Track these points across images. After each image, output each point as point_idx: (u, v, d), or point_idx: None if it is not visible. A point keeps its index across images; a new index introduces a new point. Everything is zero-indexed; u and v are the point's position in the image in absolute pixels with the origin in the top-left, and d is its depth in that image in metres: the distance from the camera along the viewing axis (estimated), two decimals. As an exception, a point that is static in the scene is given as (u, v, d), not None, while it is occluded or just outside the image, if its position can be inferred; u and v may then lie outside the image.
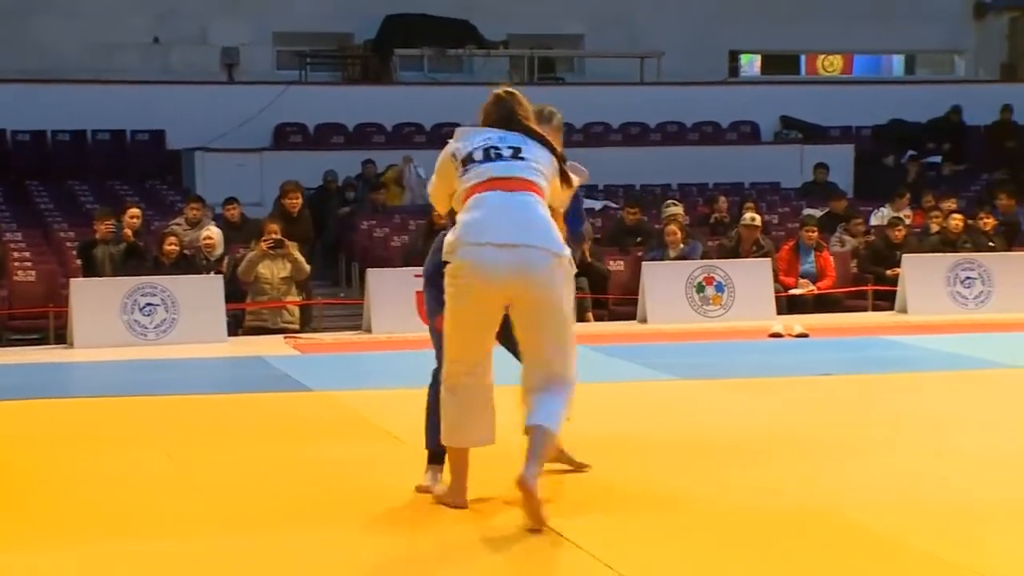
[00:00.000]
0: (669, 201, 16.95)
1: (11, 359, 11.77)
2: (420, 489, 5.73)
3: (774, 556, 4.90)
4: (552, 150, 5.60)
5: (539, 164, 5.47)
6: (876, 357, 11.19)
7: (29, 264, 14.86)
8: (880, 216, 17.69)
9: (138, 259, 13.92)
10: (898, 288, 14.70)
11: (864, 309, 15.19)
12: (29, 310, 13.86)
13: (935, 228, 16.20)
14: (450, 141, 5.59)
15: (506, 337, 5.57)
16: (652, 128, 23.68)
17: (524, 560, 4.86)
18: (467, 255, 5.27)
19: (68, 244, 15.68)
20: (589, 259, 14.83)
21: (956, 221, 15.76)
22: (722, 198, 18.00)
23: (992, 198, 18.00)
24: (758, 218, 15.63)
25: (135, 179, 20.72)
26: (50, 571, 4.81)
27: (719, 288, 14.23)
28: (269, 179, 18.89)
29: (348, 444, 6.10)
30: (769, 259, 14.79)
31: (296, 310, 13.73)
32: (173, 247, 13.87)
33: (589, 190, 20.85)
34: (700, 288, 14.21)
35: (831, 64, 26.90)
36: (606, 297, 14.93)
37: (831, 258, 15.41)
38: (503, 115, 5.53)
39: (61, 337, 13.13)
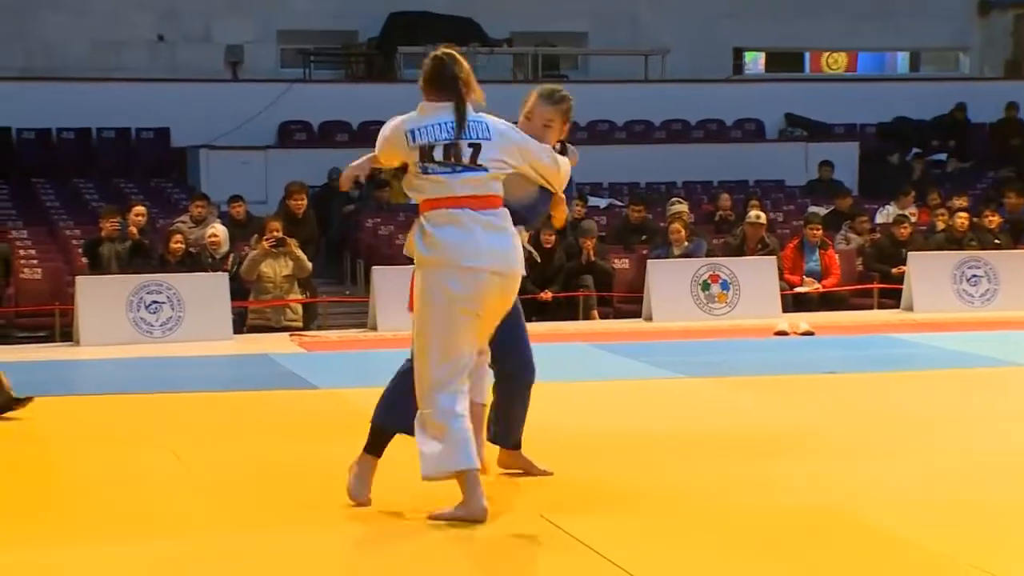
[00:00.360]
0: (674, 199, 16.95)
1: (17, 357, 11.72)
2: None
3: (782, 554, 4.89)
4: (513, 130, 5.60)
5: (498, 162, 5.45)
6: (882, 355, 11.18)
7: (35, 262, 14.85)
8: (885, 214, 17.70)
9: (144, 257, 13.95)
10: (904, 286, 14.70)
11: (870, 307, 15.18)
12: (35, 308, 13.87)
13: (941, 226, 16.19)
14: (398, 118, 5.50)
15: None
16: (657, 126, 23.66)
17: (533, 560, 4.87)
18: (470, 280, 5.29)
19: (74, 242, 15.68)
20: (593, 258, 14.87)
21: (962, 219, 15.76)
22: (725, 196, 18.01)
23: (1000, 196, 17.98)
24: (763, 216, 15.63)
25: (140, 177, 20.74)
26: (56, 570, 4.80)
27: (724, 286, 14.23)
28: (274, 177, 18.90)
29: (354, 442, 6.08)
30: (774, 257, 14.79)
31: (299, 308, 13.74)
32: (179, 245, 13.88)
33: (594, 188, 20.89)
34: (705, 286, 14.21)
35: (836, 62, 26.86)
36: (611, 295, 14.94)
37: (836, 256, 15.41)
38: (450, 83, 5.43)
39: (67, 335, 13.15)
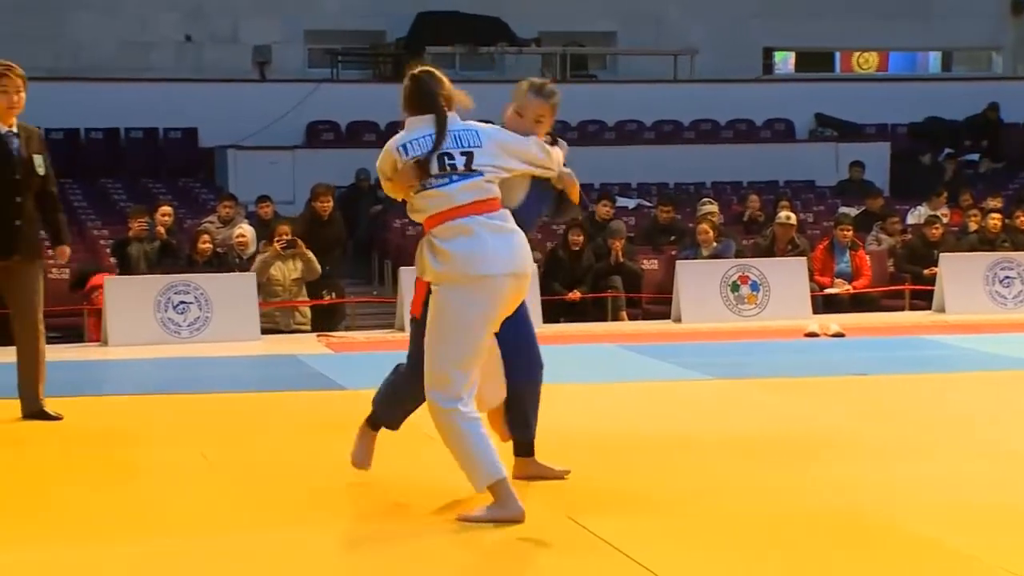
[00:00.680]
0: (704, 199, 16.93)
1: (46, 357, 11.83)
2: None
3: (811, 557, 4.88)
4: (500, 132, 5.65)
5: (493, 168, 5.49)
6: (913, 357, 11.14)
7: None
8: (917, 215, 17.65)
9: (172, 257, 14.00)
10: (936, 287, 14.61)
11: (901, 308, 15.11)
12: (63, 308, 13.81)
13: (973, 227, 16.10)
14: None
15: None
16: (686, 126, 23.67)
17: (560, 562, 4.86)
18: (487, 290, 5.34)
19: (102, 242, 15.77)
20: (621, 258, 14.84)
21: (994, 220, 15.68)
22: (754, 196, 17.96)
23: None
24: (793, 217, 15.58)
25: (168, 177, 20.90)
26: (84, 568, 4.82)
27: (754, 287, 14.17)
28: (301, 177, 18.94)
29: (381, 442, 6.08)
30: (804, 258, 14.74)
31: (308, 311, 13.73)
32: (206, 245, 13.92)
33: (623, 188, 20.87)
34: (735, 287, 14.15)
35: (867, 61, 26.79)
36: (640, 296, 14.91)
37: (867, 257, 15.36)
38: (431, 101, 5.49)
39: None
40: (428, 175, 5.39)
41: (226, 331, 12.68)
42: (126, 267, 13.88)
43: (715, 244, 14.75)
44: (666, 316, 14.25)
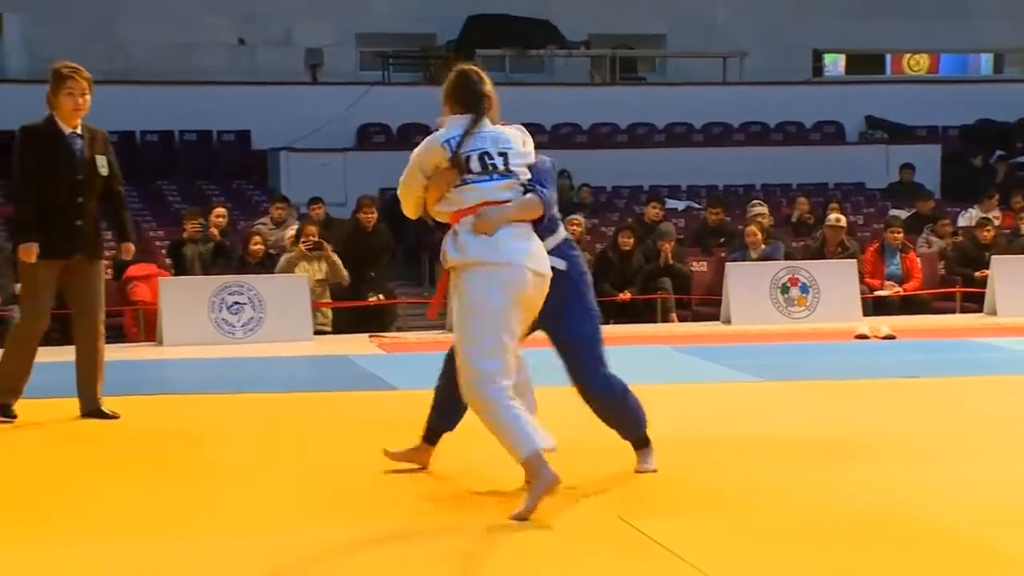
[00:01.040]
0: (754, 201, 16.92)
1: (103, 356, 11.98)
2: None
3: (862, 557, 4.87)
4: (521, 136, 5.73)
5: (521, 168, 5.60)
6: (964, 359, 11.09)
7: (120, 263, 14.98)
8: (968, 217, 17.59)
9: (225, 258, 14.12)
10: (987, 290, 14.57)
11: (952, 311, 15.10)
12: (119, 308, 13.90)
13: (1025, 229, 16.06)
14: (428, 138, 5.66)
15: None
16: (735, 128, 23.65)
17: (611, 563, 4.85)
18: (505, 273, 5.43)
19: (157, 243, 15.89)
20: (671, 260, 14.87)
21: (1046, 222, 15.63)
22: (802, 199, 17.94)
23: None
24: (843, 219, 15.57)
25: (222, 179, 21.03)
26: (144, 562, 4.88)
27: (804, 289, 14.16)
28: (353, 179, 19.08)
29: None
30: (854, 260, 14.72)
31: (329, 312, 13.81)
32: (258, 246, 14.04)
33: (672, 190, 20.89)
34: (784, 289, 14.15)
35: (917, 63, 26.63)
36: (689, 298, 14.96)
37: (917, 259, 15.33)
38: (474, 99, 5.60)
39: (151, 335, 13.14)
40: (469, 171, 5.48)
41: (279, 331, 12.75)
42: (181, 268, 14.01)
43: (763, 246, 14.76)
44: (715, 318, 14.24)
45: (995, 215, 17.16)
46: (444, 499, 5.84)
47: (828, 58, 26.38)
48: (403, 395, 8.98)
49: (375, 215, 14.95)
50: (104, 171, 7.95)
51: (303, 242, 13.78)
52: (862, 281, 14.63)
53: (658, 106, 23.48)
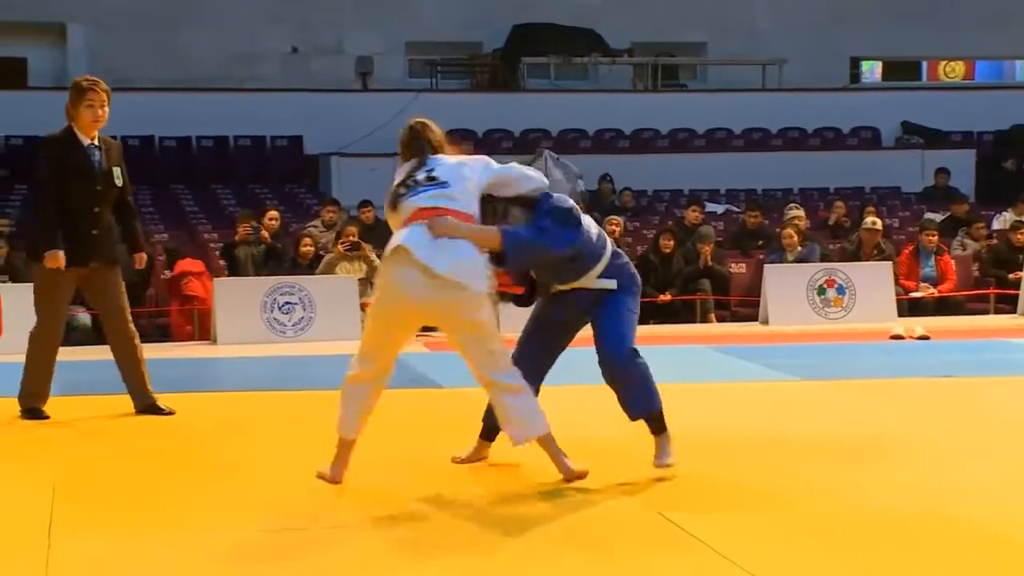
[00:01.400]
0: (791, 205, 17.01)
1: (158, 355, 11.87)
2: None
3: (899, 555, 4.85)
4: (470, 163, 5.95)
5: (455, 186, 5.79)
6: (998, 360, 10.99)
7: (175, 264, 15.19)
8: (1002, 220, 17.55)
9: (277, 260, 14.28)
10: (1020, 291, 14.61)
11: (986, 312, 15.10)
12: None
13: (1058, 232, 16.08)
14: None
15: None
16: (774, 134, 23.72)
17: (653, 558, 4.86)
18: (387, 276, 5.81)
19: (212, 245, 16.06)
20: (710, 262, 15.03)
21: (1079, 225, 15.65)
22: (839, 203, 18.00)
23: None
24: (879, 222, 15.62)
25: (275, 183, 21.27)
26: (199, 554, 4.98)
27: (840, 291, 14.23)
28: (402, 183, 19.27)
29: (474, 438, 6.33)
30: (890, 262, 14.76)
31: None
32: (308, 248, 14.22)
33: (712, 194, 21.03)
34: (821, 290, 14.21)
35: (953, 70, 26.60)
36: (728, 299, 15.03)
37: (952, 262, 15.34)
38: (419, 147, 5.95)
39: (205, 333, 13.42)
40: (399, 196, 5.81)
41: (329, 331, 12.85)
42: (234, 269, 14.18)
43: (800, 248, 14.85)
44: (754, 318, 14.35)
45: (1029, 218, 17.22)
46: (496, 492, 5.82)
47: (865, 65, 26.39)
48: (448, 393, 8.96)
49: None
50: (119, 182, 8.05)
51: (341, 242, 13.89)
52: (897, 283, 14.69)
53: (699, 112, 23.60)
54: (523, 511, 5.52)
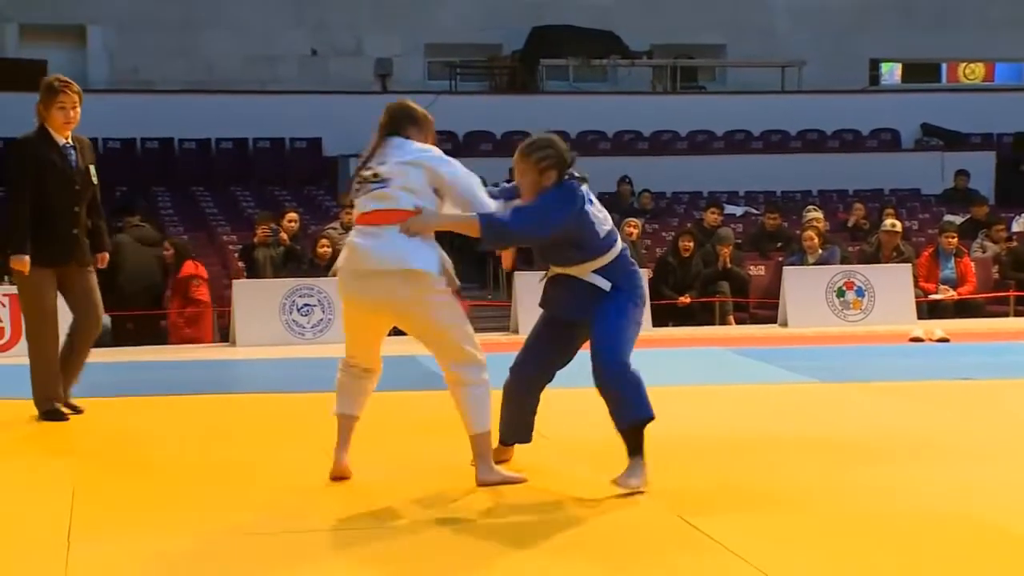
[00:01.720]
0: (809, 207, 16.99)
1: (176, 356, 11.99)
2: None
3: (918, 556, 4.88)
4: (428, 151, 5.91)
5: (395, 181, 5.78)
6: (1018, 362, 10.97)
7: (195, 266, 15.21)
8: (1021, 222, 17.57)
9: (296, 261, 14.31)
10: (1040, 294, 14.68)
11: (1005, 314, 15.07)
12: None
13: (1078, 234, 16.09)
14: None
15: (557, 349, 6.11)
16: (793, 136, 23.74)
17: (672, 560, 4.89)
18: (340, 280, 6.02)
19: (231, 247, 16.13)
20: (729, 264, 15.03)
21: (1099, 227, 15.64)
22: (858, 205, 18.00)
23: None
24: (899, 224, 15.61)
25: (294, 185, 21.33)
26: (218, 556, 5.02)
27: (859, 293, 14.22)
28: (420, 185, 19.28)
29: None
30: (909, 265, 14.75)
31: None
32: (325, 249, 14.22)
33: (731, 196, 21.04)
34: (840, 293, 14.21)
35: (973, 72, 26.57)
36: (747, 301, 15.03)
37: (971, 264, 15.33)
38: (383, 123, 5.95)
39: (225, 335, 13.48)
40: (353, 191, 5.90)
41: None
42: (253, 271, 14.21)
43: (820, 251, 14.83)
44: (773, 321, 14.35)
45: (1049, 221, 17.23)
46: (517, 494, 5.84)
47: (885, 67, 26.36)
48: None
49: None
50: (95, 180, 8.06)
51: None
52: (917, 285, 14.68)
53: (718, 114, 23.64)
54: (533, 514, 5.52)
